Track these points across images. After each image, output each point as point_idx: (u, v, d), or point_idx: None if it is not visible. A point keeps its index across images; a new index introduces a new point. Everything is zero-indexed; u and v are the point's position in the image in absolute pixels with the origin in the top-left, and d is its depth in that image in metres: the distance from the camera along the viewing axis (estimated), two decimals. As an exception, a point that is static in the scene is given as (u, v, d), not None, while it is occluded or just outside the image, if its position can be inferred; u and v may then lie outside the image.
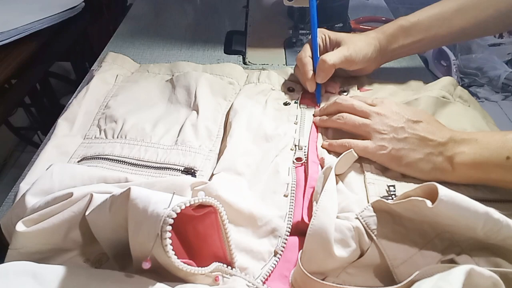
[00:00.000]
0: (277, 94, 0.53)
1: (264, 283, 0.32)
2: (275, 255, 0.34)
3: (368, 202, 0.37)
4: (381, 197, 0.38)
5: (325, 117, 0.46)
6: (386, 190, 0.38)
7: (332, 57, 0.49)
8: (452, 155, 0.38)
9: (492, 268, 0.24)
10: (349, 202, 0.35)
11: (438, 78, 0.53)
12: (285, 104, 0.51)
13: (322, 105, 0.50)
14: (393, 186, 0.39)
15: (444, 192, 0.27)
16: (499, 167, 0.35)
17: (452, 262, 0.28)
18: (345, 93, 0.53)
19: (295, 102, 0.51)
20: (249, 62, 0.64)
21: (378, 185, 0.39)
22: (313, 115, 0.49)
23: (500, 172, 0.35)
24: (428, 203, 0.27)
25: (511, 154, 0.35)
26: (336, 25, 0.72)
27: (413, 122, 0.40)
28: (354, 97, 0.46)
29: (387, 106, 0.42)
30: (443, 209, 0.27)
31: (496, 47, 1.65)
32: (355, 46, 0.51)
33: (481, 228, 0.27)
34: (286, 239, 0.35)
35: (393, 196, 0.38)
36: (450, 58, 1.54)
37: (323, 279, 0.30)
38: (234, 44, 0.70)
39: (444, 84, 0.51)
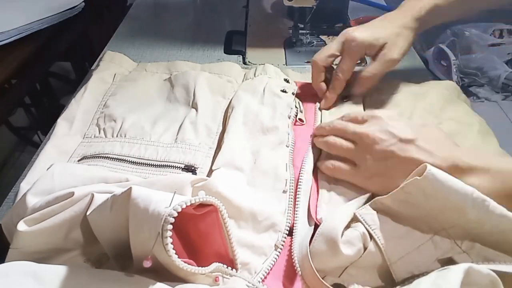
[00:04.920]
0: (274, 82, 0.52)
1: (263, 280, 0.32)
2: (275, 249, 0.35)
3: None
4: None
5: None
6: None
7: (374, 71, 0.48)
8: None
9: (490, 266, 0.24)
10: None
11: (438, 78, 0.54)
12: (283, 91, 0.51)
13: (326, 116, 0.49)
14: None
15: (431, 168, 0.28)
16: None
17: (451, 260, 0.29)
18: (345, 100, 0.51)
19: (293, 93, 0.51)
20: (249, 62, 0.64)
21: None
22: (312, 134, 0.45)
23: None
24: (416, 178, 0.28)
25: None
26: (336, 25, 0.72)
27: (405, 141, 0.35)
28: (345, 116, 0.42)
29: (377, 125, 0.37)
30: (431, 185, 0.28)
31: (496, 47, 1.65)
32: (399, 49, 0.48)
33: (471, 207, 0.27)
34: (286, 234, 0.36)
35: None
36: (450, 58, 1.54)
37: (322, 278, 0.30)
38: (234, 44, 0.70)
39: (449, 86, 0.51)
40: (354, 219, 0.32)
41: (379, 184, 0.36)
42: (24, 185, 0.39)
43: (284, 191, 0.39)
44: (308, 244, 0.32)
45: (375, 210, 0.32)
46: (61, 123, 0.48)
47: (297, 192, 0.39)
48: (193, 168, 0.42)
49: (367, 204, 0.32)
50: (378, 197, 0.32)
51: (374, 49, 0.48)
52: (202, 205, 0.29)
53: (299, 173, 0.41)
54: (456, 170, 0.31)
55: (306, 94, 0.53)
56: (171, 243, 0.25)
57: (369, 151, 0.36)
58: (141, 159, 0.43)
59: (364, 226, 0.31)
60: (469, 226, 0.28)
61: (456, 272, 0.24)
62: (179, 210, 0.26)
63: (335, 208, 0.36)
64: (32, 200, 0.33)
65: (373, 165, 0.36)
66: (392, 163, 0.35)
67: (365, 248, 0.30)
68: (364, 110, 0.49)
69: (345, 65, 0.48)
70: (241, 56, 0.65)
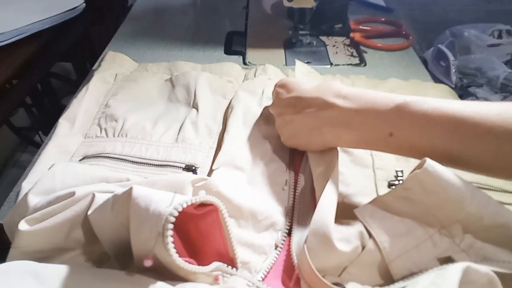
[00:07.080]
0: (272, 85, 0.52)
1: (264, 279, 0.33)
2: (275, 248, 0.35)
3: (376, 186, 0.39)
4: (388, 182, 0.39)
5: None
6: (394, 175, 0.39)
7: None
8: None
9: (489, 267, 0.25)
10: (352, 193, 0.36)
11: (438, 78, 0.55)
12: None
13: None
14: (401, 171, 0.40)
15: (430, 161, 0.28)
16: (381, 144, 0.34)
17: (450, 259, 0.29)
18: None
19: None
20: (249, 62, 0.64)
21: (387, 170, 0.40)
22: None
23: (383, 149, 0.34)
24: (416, 172, 0.29)
25: (394, 130, 0.32)
26: (335, 26, 0.72)
27: (288, 90, 0.40)
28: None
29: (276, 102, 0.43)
30: (431, 178, 0.28)
31: (495, 48, 1.65)
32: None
33: (470, 199, 0.28)
34: (286, 233, 0.36)
35: (400, 181, 0.38)
36: (449, 59, 1.54)
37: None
38: (234, 45, 0.70)
39: (445, 89, 0.52)
40: (353, 217, 0.32)
41: (296, 143, 0.41)
42: (25, 185, 0.39)
43: (284, 189, 0.39)
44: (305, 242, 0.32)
45: (374, 208, 0.32)
46: (63, 123, 0.48)
47: (296, 192, 0.39)
48: (193, 168, 0.42)
49: (367, 203, 0.32)
50: (378, 196, 0.32)
51: None
52: (202, 205, 0.29)
53: (299, 173, 0.41)
54: (339, 95, 0.36)
55: None
56: (172, 243, 0.25)
57: (279, 123, 0.42)
58: (142, 159, 0.43)
59: (363, 224, 0.31)
60: (469, 220, 0.28)
61: (454, 271, 0.24)
62: (180, 209, 0.26)
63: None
64: (34, 200, 0.33)
65: (284, 132, 0.42)
66: (292, 123, 0.40)
67: (363, 247, 0.30)
68: None
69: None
70: (241, 57, 0.66)
